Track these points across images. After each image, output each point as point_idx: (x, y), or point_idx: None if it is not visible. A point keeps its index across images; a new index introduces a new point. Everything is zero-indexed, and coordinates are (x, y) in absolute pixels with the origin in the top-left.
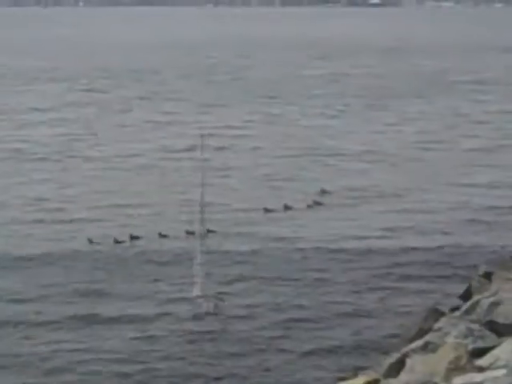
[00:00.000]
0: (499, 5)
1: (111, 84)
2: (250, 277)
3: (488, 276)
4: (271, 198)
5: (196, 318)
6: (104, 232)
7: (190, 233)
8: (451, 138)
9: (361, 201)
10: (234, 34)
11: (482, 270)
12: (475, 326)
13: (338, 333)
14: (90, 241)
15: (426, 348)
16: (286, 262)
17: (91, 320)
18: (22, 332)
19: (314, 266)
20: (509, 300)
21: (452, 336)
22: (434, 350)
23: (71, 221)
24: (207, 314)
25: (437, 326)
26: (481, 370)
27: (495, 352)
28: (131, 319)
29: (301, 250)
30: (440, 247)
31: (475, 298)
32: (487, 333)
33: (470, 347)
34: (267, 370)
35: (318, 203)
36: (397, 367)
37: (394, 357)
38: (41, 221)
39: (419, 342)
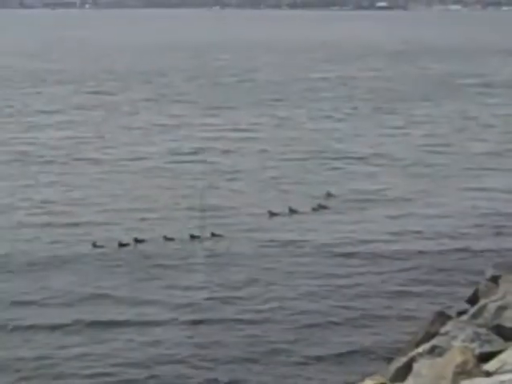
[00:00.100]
0: (506, 8)
1: (118, 86)
2: (256, 281)
3: (495, 280)
4: (277, 201)
5: (202, 322)
6: (110, 235)
7: (194, 237)
8: (459, 141)
9: (367, 204)
10: (242, 36)
11: (490, 273)
12: (482, 330)
13: (344, 337)
14: (95, 244)
15: (432, 352)
16: (292, 265)
17: (97, 324)
18: (26, 336)
19: (320, 270)
20: None
21: (459, 340)
22: (440, 354)
23: (77, 224)
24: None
25: (444, 329)
26: (488, 374)
27: (502, 356)
28: (136, 323)
29: (306, 253)
30: (447, 251)
31: (482, 301)
32: (494, 337)
33: (477, 351)
34: (275, 375)
35: (323, 207)
36: (404, 371)
37: (401, 361)
38: (47, 224)
39: (426, 346)
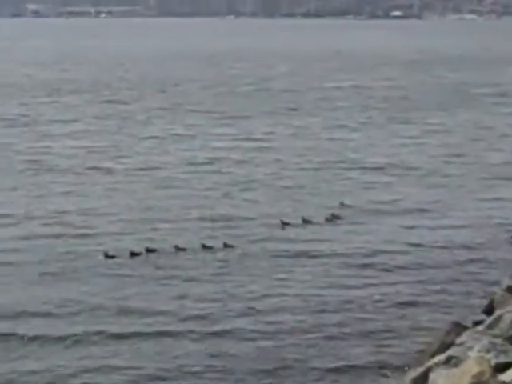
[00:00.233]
0: None
1: (133, 95)
2: (268, 292)
3: (511, 290)
4: (290, 211)
5: (214, 333)
6: (122, 245)
7: (206, 247)
8: (474, 151)
9: (382, 215)
10: (256, 45)
11: (505, 284)
12: (498, 341)
13: (359, 348)
14: (106, 254)
15: (448, 362)
16: (305, 276)
17: (108, 335)
18: (37, 347)
19: (334, 281)
20: None
21: (475, 350)
22: (456, 365)
23: (90, 234)
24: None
25: (460, 340)
26: None
27: None
28: (148, 334)
29: (320, 264)
30: (462, 261)
31: (498, 312)
32: (510, 347)
33: (493, 362)
34: None
35: (336, 217)
36: (420, 381)
37: (417, 371)
38: (60, 234)
39: (442, 357)
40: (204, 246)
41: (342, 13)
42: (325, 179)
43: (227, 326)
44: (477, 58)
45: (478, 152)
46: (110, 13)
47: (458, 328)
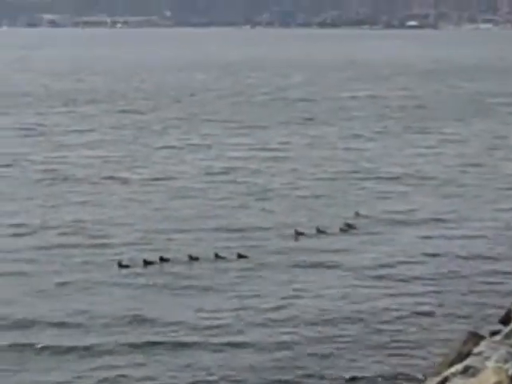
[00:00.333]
0: None
1: (149, 105)
2: (283, 303)
3: None
4: (305, 221)
5: (229, 344)
6: (137, 255)
7: (220, 257)
8: (491, 161)
9: (398, 225)
10: (272, 54)
11: None
12: None
13: (376, 359)
14: (120, 264)
15: (466, 372)
16: (320, 287)
17: (124, 346)
18: (54, 358)
19: (350, 291)
20: None
21: (492, 360)
22: (474, 375)
23: (106, 244)
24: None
25: (477, 350)
26: None
27: None
28: (163, 345)
29: (336, 275)
30: (479, 272)
31: None
32: None
33: (511, 372)
34: None
35: (351, 227)
36: None
37: (434, 381)
38: (77, 244)
39: (459, 366)
40: (217, 256)
41: (357, 23)
42: (340, 189)
43: (242, 337)
44: (492, 67)
45: (493, 162)
46: (125, 23)
47: (475, 338)
